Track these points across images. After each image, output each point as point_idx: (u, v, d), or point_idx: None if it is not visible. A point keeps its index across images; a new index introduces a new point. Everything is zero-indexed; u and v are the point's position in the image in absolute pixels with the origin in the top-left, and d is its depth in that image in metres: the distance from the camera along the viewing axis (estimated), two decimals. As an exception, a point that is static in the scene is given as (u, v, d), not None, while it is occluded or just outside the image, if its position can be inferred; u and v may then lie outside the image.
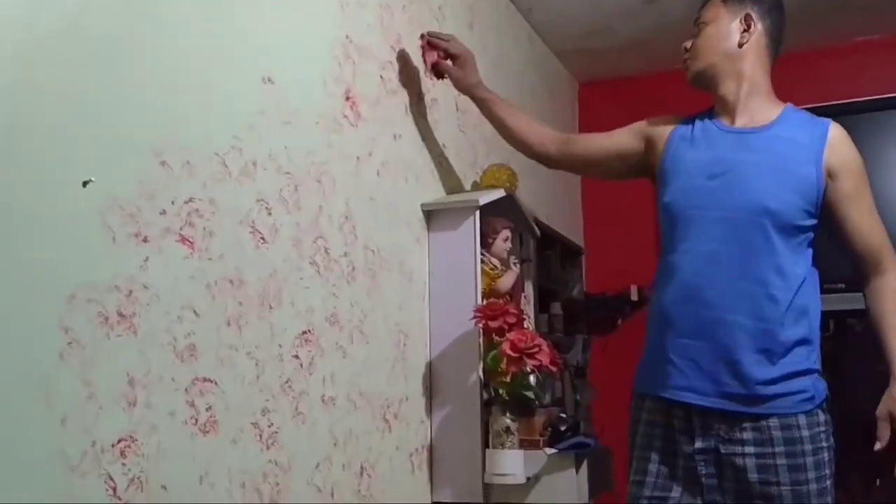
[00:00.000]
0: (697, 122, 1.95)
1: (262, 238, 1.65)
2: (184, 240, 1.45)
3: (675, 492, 1.82)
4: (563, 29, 3.57)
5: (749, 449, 1.74)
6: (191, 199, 1.47)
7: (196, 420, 1.45)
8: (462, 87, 2.33)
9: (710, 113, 1.95)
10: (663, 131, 1.99)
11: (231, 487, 1.51)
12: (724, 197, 1.82)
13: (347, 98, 2.00)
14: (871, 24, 3.57)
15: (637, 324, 3.85)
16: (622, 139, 2.09)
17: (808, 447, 1.73)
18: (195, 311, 1.46)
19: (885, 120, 3.29)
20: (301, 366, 1.74)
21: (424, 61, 2.32)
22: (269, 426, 1.63)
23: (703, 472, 1.79)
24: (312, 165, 1.84)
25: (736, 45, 1.89)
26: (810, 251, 1.84)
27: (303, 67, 1.85)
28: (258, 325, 1.62)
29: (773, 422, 1.74)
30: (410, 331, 2.23)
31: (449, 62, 2.31)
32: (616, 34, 3.63)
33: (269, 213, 1.68)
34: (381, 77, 2.17)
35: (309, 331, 1.77)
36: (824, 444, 1.76)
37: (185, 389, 1.43)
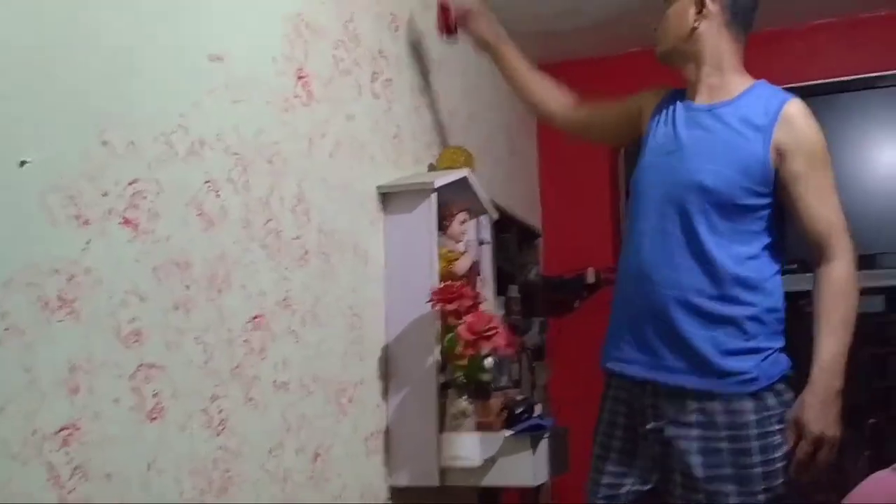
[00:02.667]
0: (673, 100, 1.95)
1: (210, 220, 1.61)
2: (127, 222, 1.41)
3: (635, 469, 1.84)
4: (526, 10, 3.54)
5: (694, 432, 1.75)
6: (135, 180, 1.43)
7: (142, 407, 1.41)
8: (483, 36, 2.40)
9: (685, 90, 1.96)
10: (650, 106, 2.01)
11: (179, 474, 1.48)
12: (669, 174, 1.83)
13: (299, 77, 1.96)
14: (823, 7, 3.60)
15: (594, 306, 3.88)
16: (624, 106, 2.11)
17: (753, 431, 1.72)
18: (140, 296, 1.42)
19: (839, 103, 3.33)
20: (252, 350, 1.71)
21: (442, 20, 2.45)
22: (219, 412, 1.59)
23: (655, 451, 1.80)
24: (263, 146, 1.80)
25: (689, 28, 1.88)
26: (766, 232, 1.79)
27: (252, 45, 1.80)
28: (207, 309, 1.58)
29: (719, 406, 1.73)
30: (366, 314, 2.21)
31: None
32: (579, 16, 3.61)
33: (218, 195, 1.64)
34: (334, 56, 2.13)
35: (260, 315, 1.74)
36: (775, 426, 1.73)
37: (130, 376, 1.39)
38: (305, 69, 1.99)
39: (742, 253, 1.77)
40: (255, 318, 1.73)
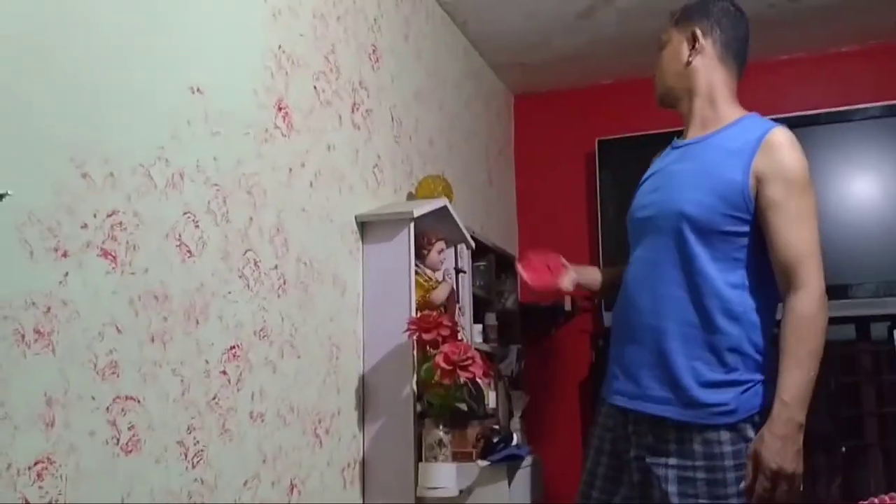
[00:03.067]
0: (667, 145, 1.97)
1: (189, 251, 1.62)
2: (106, 254, 1.41)
3: (619, 496, 1.85)
4: (499, 42, 3.59)
5: (672, 461, 1.75)
6: (114, 213, 1.44)
7: (118, 439, 1.41)
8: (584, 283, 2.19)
9: (680, 132, 1.97)
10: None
11: (154, 508, 1.48)
12: (657, 207, 1.85)
13: (279, 108, 1.97)
14: (795, 42, 3.67)
15: (570, 333, 3.90)
16: None
17: (729, 462, 1.71)
18: (117, 328, 1.42)
19: (809, 137, 3.38)
20: (229, 382, 1.70)
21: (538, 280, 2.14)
22: (195, 444, 1.59)
23: (635, 478, 1.81)
24: (242, 177, 1.81)
25: (684, 64, 1.90)
26: (750, 262, 1.78)
27: (233, 77, 1.82)
28: (184, 341, 1.58)
29: (696, 435, 1.74)
30: (343, 343, 2.21)
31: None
32: (551, 48, 3.66)
33: (197, 226, 1.64)
34: (315, 87, 2.15)
35: (237, 346, 1.74)
36: None
37: (107, 408, 1.39)
38: (286, 100, 2.00)
39: (724, 281, 1.78)
40: (232, 348, 1.73)
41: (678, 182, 1.84)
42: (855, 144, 3.46)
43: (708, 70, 1.89)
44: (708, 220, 1.76)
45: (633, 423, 1.82)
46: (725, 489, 1.71)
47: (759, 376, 1.77)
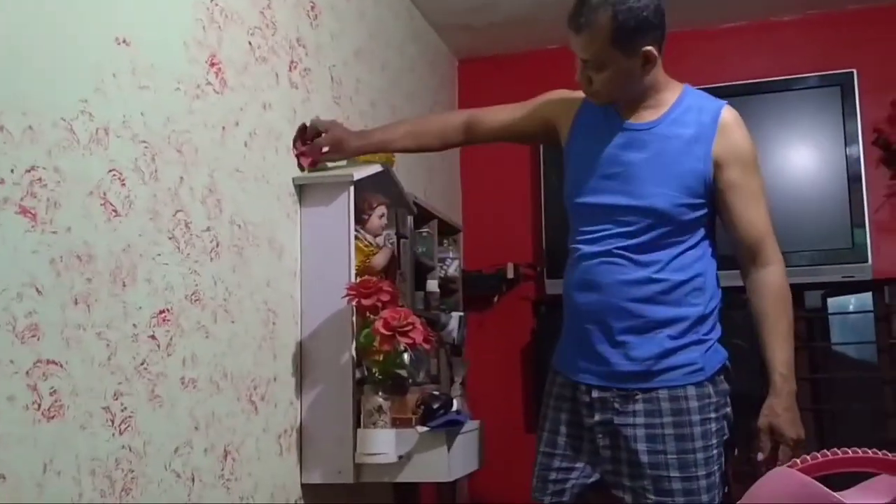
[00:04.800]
0: (598, 113, 1.92)
1: (115, 210, 1.55)
2: (25, 211, 1.34)
3: (580, 463, 1.89)
4: (444, 3, 3.52)
5: (639, 420, 1.81)
6: (33, 168, 1.36)
7: (39, 405, 1.35)
8: (352, 152, 2.30)
9: (613, 105, 1.92)
10: (565, 116, 1.99)
11: (79, 475, 1.42)
12: (617, 198, 1.85)
13: (212, 64, 1.90)
14: (733, 11, 3.68)
15: (513, 301, 3.90)
16: (521, 122, 2.11)
17: (695, 417, 1.79)
18: (37, 289, 1.36)
19: (748, 105, 3.41)
20: (158, 346, 1.65)
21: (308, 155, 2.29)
22: (122, 410, 1.53)
23: (601, 443, 1.84)
24: (172, 134, 1.74)
25: (641, 78, 1.83)
26: (707, 237, 1.86)
27: (162, 29, 1.74)
28: (110, 304, 1.52)
29: (663, 393, 1.81)
30: (280, 309, 2.16)
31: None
32: (497, 11, 3.61)
33: (123, 184, 1.57)
34: (250, 43, 2.08)
35: (167, 309, 1.68)
36: (713, 414, 1.81)
37: (27, 372, 1.33)
38: (219, 55, 1.93)
39: (688, 260, 1.83)
40: (162, 312, 1.67)
41: (639, 174, 1.84)
42: (795, 114, 3.50)
43: (654, 70, 1.85)
44: (678, 212, 1.83)
45: (598, 390, 1.84)
46: (692, 443, 1.80)
47: (716, 335, 1.87)
